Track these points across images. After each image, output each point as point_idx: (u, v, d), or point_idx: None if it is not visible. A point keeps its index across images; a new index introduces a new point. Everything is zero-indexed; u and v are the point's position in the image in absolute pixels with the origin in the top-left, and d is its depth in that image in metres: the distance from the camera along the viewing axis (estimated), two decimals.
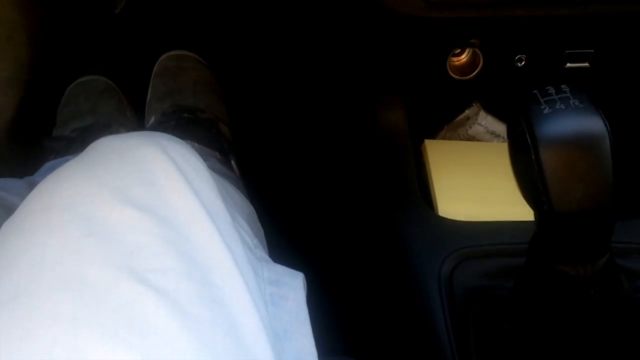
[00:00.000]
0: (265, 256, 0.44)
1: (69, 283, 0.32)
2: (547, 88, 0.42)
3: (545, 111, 0.41)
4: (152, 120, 0.85)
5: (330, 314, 0.51)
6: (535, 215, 0.43)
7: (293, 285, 0.42)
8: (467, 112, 0.75)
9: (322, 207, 0.80)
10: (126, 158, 0.39)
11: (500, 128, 0.75)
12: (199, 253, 0.36)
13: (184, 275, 0.34)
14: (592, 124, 0.40)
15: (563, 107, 0.41)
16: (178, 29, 1.04)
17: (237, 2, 1.04)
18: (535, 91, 0.43)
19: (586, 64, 0.69)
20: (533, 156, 0.40)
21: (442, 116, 0.76)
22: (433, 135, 0.76)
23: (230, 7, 1.05)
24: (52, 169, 0.79)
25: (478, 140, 0.75)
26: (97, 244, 0.34)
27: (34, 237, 0.35)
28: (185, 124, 0.80)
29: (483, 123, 0.74)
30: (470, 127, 0.75)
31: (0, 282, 0.33)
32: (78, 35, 1.03)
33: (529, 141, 0.40)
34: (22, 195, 0.62)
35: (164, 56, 0.92)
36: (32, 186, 0.65)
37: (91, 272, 0.32)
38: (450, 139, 0.76)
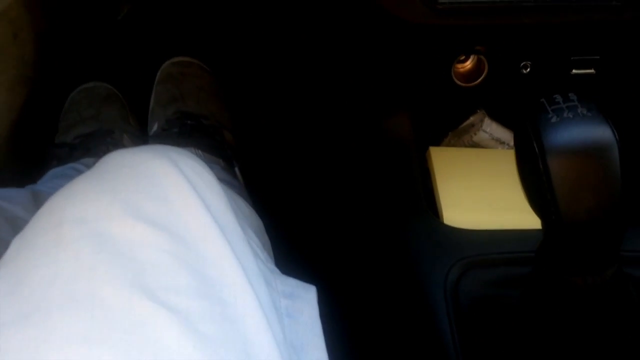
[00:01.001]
0: (276, 269, 0.44)
1: (81, 302, 0.32)
2: (554, 96, 0.42)
3: (553, 120, 0.40)
4: (155, 127, 0.85)
5: (335, 324, 0.51)
6: (543, 224, 0.42)
7: (307, 299, 0.42)
8: (471, 118, 0.75)
9: (326, 215, 0.80)
10: (137, 172, 0.39)
11: (505, 135, 0.74)
12: (210, 270, 0.36)
13: (196, 293, 0.34)
14: (600, 133, 0.39)
15: (571, 116, 0.40)
16: (181, 35, 1.04)
17: (242, 9, 1.03)
18: (543, 99, 0.42)
19: (592, 71, 0.68)
20: (541, 165, 0.39)
21: (446, 123, 0.76)
22: (437, 142, 0.76)
23: (235, 14, 1.05)
24: (55, 176, 0.79)
25: (483, 147, 0.75)
26: (109, 262, 0.34)
27: (45, 254, 0.35)
28: (189, 131, 0.80)
29: (488, 130, 0.74)
30: (475, 134, 0.74)
31: (11, 299, 0.33)
32: (80, 41, 1.03)
33: (537, 150, 0.40)
34: (25, 206, 0.62)
35: (167, 63, 0.92)
36: (35, 196, 0.65)
37: (103, 291, 0.32)
38: (454, 145, 0.76)
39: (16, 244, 0.37)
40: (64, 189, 0.39)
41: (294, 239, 0.77)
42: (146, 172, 0.39)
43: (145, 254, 0.34)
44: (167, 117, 0.84)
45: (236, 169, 0.80)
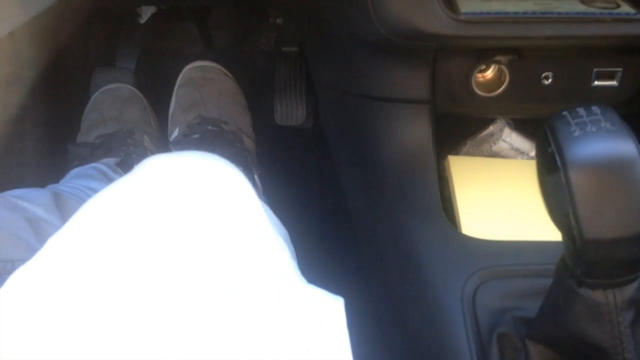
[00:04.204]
0: (303, 278, 0.44)
1: None
2: (577, 109, 0.42)
3: (576, 133, 0.40)
4: (176, 132, 0.86)
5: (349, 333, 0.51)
6: (564, 238, 0.42)
7: (335, 309, 0.42)
8: (491, 128, 0.75)
9: (343, 222, 0.80)
10: (174, 180, 0.40)
11: (525, 145, 0.74)
12: (242, 284, 0.36)
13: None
14: (624, 147, 0.39)
15: (594, 130, 0.40)
16: (203, 39, 1.04)
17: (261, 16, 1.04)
18: (565, 112, 0.42)
19: (614, 83, 0.68)
20: (563, 179, 0.39)
21: (466, 132, 0.76)
22: (456, 151, 0.76)
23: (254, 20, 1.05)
24: (76, 176, 0.80)
25: (502, 156, 0.75)
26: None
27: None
28: (211, 138, 0.81)
29: (507, 140, 0.73)
30: (495, 144, 0.74)
31: None
32: (101, 40, 1.04)
33: (559, 164, 0.39)
34: (46, 206, 0.62)
35: (188, 67, 0.92)
36: (56, 196, 0.66)
37: None
38: (473, 154, 0.75)
39: (51, 243, 0.38)
40: (103, 192, 0.40)
41: (310, 247, 0.77)
42: (182, 179, 0.39)
43: (177, 263, 0.35)
44: (188, 122, 0.85)
45: (255, 176, 0.81)
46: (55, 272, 0.35)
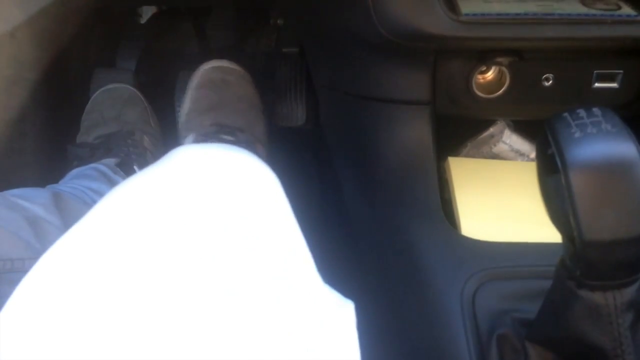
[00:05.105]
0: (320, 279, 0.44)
1: None
2: (577, 111, 0.42)
3: (577, 135, 0.40)
4: (191, 138, 0.83)
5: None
6: (564, 240, 0.42)
7: (345, 313, 0.42)
8: (491, 129, 0.75)
9: (342, 223, 0.80)
10: (202, 172, 0.40)
11: (525, 147, 0.74)
12: (245, 284, 0.36)
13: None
14: (624, 149, 0.39)
15: (595, 132, 0.40)
16: (203, 40, 1.04)
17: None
18: (566, 114, 0.42)
19: (615, 85, 0.68)
20: (563, 181, 0.39)
21: (466, 133, 0.76)
22: (456, 152, 0.76)
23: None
24: (76, 176, 0.80)
25: (502, 158, 0.75)
26: None
27: None
28: None
29: (508, 141, 0.73)
30: (495, 145, 0.74)
31: None
32: (102, 40, 1.04)
33: (559, 165, 0.39)
34: (45, 206, 0.62)
35: (207, 67, 0.89)
36: (55, 196, 0.66)
37: None
38: (473, 156, 0.75)
39: (67, 236, 0.38)
40: (130, 180, 0.40)
41: (309, 248, 0.77)
42: (211, 172, 0.39)
43: (198, 263, 0.35)
44: (204, 127, 0.83)
45: None
46: (64, 273, 0.35)
